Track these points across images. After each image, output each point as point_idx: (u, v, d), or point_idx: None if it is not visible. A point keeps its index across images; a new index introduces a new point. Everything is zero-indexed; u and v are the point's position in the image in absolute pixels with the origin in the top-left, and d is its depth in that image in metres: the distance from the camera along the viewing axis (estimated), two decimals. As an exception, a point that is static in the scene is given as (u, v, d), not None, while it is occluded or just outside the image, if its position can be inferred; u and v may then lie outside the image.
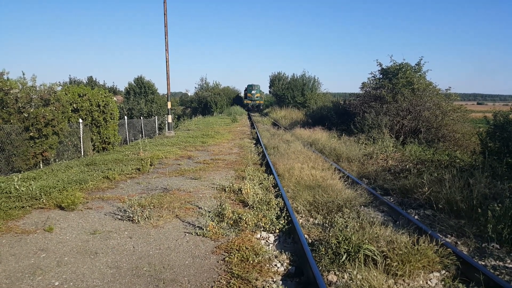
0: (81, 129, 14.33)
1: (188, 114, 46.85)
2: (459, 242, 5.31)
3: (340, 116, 19.47)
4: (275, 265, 4.49)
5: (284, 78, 48.86)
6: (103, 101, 15.58)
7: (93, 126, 15.43)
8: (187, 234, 5.40)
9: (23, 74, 12.27)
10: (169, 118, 19.98)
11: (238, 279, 4.05)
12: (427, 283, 4.17)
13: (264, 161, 11.00)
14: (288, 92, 43.06)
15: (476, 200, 5.82)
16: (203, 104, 44.84)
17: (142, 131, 22.42)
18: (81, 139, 14.42)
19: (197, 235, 5.37)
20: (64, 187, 7.57)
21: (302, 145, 13.20)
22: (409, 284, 4.11)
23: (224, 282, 4.00)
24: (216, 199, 7.12)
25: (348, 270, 4.28)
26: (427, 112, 16.55)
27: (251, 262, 4.43)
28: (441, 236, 5.20)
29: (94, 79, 35.40)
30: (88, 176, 8.69)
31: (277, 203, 6.25)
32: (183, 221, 5.95)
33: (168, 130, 19.64)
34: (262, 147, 13.38)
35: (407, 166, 9.06)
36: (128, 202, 6.43)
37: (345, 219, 5.42)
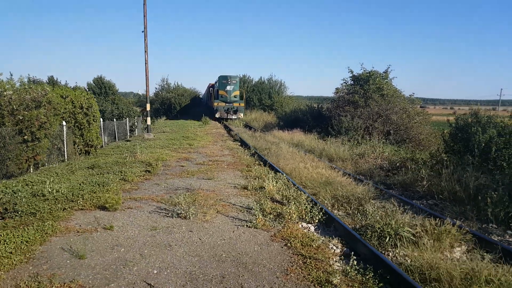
0: (64, 132, 14.23)
1: (138, 115, 46.24)
2: (464, 224, 6.47)
3: (315, 119, 20.72)
4: (332, 248, 5.32)
5: (250, 81, 49.10)
6: (86, 103, 15.51)
7: (76, 129, 15.31)
8: (239, 227, 6.07)
9: (11, 75, 12.08)
10: (148, 120, 20.10)
11: (309, 259, 4.83)
12: (455, 254, 5.22)
13: (262, 161, 11.76)
14: (255, 94, 44.00)
15: (473, 190, 7.06)
16: (166, 105, 44.51)
17: (115, 134, 22.22)
18: (65, 142, 14.32)
19: (248, 227, 6.06)
20: (92, 189, 7.85)
21: (290, 147, 14.14)
22: (443, 254, 5.13)
23: (300, 262, 4.77)
24: (244, 197, 7.82)
25: (395, 249, 5.22)
26: (395, 116, 18.24)
27: (312, 245, 5.23)
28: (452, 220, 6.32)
29: (55, 78, 34.03)
30: (105, 178, 8.96)
31: (306, 198, 7.08)
32: (227, 216, 6.60)
33: (148, 132, 19.75)
34: (252, 149, 14.13)
35: (398, 164, 10.30)
36: (169, 201, 6.94)
37: (373, 209, 6.38)
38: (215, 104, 33.78)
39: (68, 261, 4.73)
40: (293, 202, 6.54)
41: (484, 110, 15.57)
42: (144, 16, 19.33)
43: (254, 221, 6.17)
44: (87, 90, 37.33)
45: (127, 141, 20.47)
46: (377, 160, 11.41)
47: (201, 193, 8.00)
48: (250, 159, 12.72)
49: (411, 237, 5.36)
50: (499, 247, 5.03)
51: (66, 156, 14.14)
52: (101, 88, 37.10)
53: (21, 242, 5.15)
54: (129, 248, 5.18)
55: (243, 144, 16.53)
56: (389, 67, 20.25)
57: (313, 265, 4.67)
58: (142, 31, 19.23)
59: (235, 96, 33.87)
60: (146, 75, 19.81)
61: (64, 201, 7.02)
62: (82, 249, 5.05)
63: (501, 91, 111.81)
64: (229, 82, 33.66)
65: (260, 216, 6.20)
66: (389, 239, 5.36)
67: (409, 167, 9.49)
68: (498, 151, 10.94)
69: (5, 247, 4.92)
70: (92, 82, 37.62)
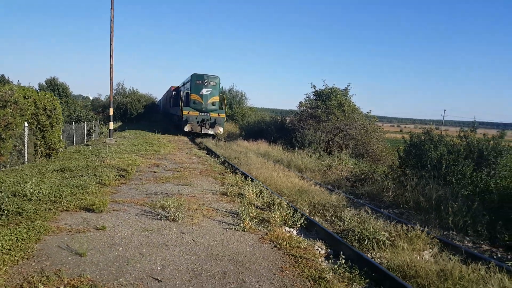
0: (26, 133, 13.76)
1: (102, 120, 44.87)
2: (430, 231, 7.28)
3: (278, 130, 21.47)
4: (317, 249, 5.84)
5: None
6: (49, 105, 15.08)
7: (38, 131, 14.81)
8: (227, 230, 6.43)
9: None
10: (111, 125, 19.75)
11: (300, 258, 5.31)
12: (425, 256, 5.94)
13: (234, 170, 12.15)
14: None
15: (435, 201, 7.94)
16: (122, 110, 43.44)
17: (73, 138, 21.57)
18: (26, 144, 13.83)
19: (236, 230, 6.43)
20: (71, 191, 7.83)
21: (259, 157, 14.66)
22: (413, 255, 5.82)
23: (292, 261, 5.23)
24: (225, 202, 8.17)
25: (373, 250, 5.84)
26: (355, 131, 19.44)
27: (300, 247, 5.72)
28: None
29: (6, 78, 32.15)
30: (81, 181, 8.90)
31: (286, 205, 7.59)
32: (213, 220, 6.92)
33: (109, 137, 19.40)
34: (222, 158, 14.47)
35: (362, 176, 11.15)
36: (152, 205, 7.14)
37: (349, 215, 7.01)
38: (185, 113, 24.60)
39: (69, 258, 4.84)
40: (277, 208, 7.00)
41: (429, 129, 17.12)
42: (111, 20, 19.17)
43: (241, 225, 6.55)
44: (38, 91, 35.69)
45: (87, 145, 19.98)
46: (342, 172, 12.23)
47: (183, 198, 8.24)
48: (220, 167, 13.05)
49: (387, 241, 6.02)
50: (462, 250, 5.81)
51: (26, 158, 13.66)
52: (54, 90, 35.58)
53: (17, 239, 5.16)
54: (126, 247, 5.37)
55: (210, 152, 16.80)
56: (349, 85, 21.60)
57: (304, 263, 5.15)
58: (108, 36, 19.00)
59: (213, 103, 25.28)
60: (110, 79, 19.53)
61: (48, 202, 6.99)
62: (80, 247, 5.16)
63: (444, 111, 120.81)
64: (206, 84, 25.05)
65: (247, 220, 6.60)
66: (367, 242, 5.98)
67: (375, 178, 10.35)
68: (447, 167, 12.15)
69: (2, 244, 4.93)
70: (44, 83, 35.98)
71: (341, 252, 5.17)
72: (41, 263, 4.65)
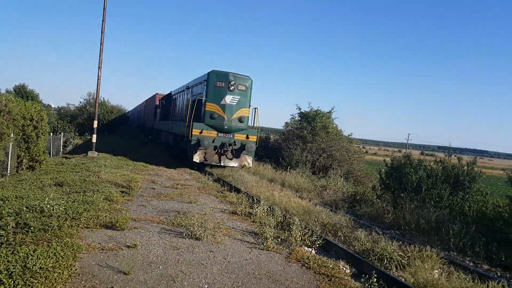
0: (10, 145, 13.42)
1: (70, 131, 43.57)
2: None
3: (264, 149, 21.95)
4: (342, 268, 6.25)
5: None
6: (36, 115, 14.79)
7: (22, 142, 14.45)
8: (252, 249, 6.72)
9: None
10: (94, 138, 19.46)
11: (332, 277, 5.70)
12: (435, 275, 6.49)
13: (232, 188, 12.41)
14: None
15: (434, 223, 8.61)
16: (92, 121, 42.33)
17: (50, 149, 21.01)
18: (10, 155, 13.48)
19: (261, 249, 6.74)
20: (85, 208, 7.85)
21: (251, 175, 15.00)
22: (425, 274, 6.35)
23: (326, 279, 5.61)
24: (238, 221, 8.46)
25: (390, 269, 6.33)
26: (338, 153, 20.24)
27: (328, 266, 6.10)
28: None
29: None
30: (89, 197, 8.89)
31: (300, 224, 7.97)
32: (234, 239, 7.19)
33: (92, 150, 19.10)
34: (215, 175, 14.70)
35: (358, 197, 11.77)
36: (169, 222, 7.34)
37: (363, 236, 7.50)
38: (195, 132, 16.06)
39: (115, 277, 4.99)
40: (295, 228, 7.37)
41: (392, 152, 18.11)
42: (101, 32, 19.14)
43: (264, 244, 6.87)
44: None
45: (65, 157, 19.55)
46: (337, 193, 12.82)
47: (196, 216, 8.42)
48: (216, 184, 13.28)
49: (403, 260, 6.53)
50: (471, 269, 6.42)
51: (9, 170, 13.29)
52: (23, 97, 34.37)
53: (56, 257, 5.22)
54: (165, 265, 5.55)
55: (199, 169, 16.94)
56: (332, 108, 22.54)
57: (338, 282, 5.54)
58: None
59: (240, 119, 16.84)
60: (97, 91, 19.40)
61: (67, 219, 7.00)
62: (121, 266, 5.31)
63: (408, 135, 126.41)
64: (232, 87, 16.57)
65: (270, 240, 6.92)
66: (386, 261, 6.47)
67: (370, 199, 10.97)
68: (426, 190, 13.03)
69: (44, 262, 4.98)
70: (12, 90, 34.72)
71: (373, 272, 5.59)
72: (90, 282, 4.77)
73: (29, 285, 4.32)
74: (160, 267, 5.48)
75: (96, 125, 19.50)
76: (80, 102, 48.29)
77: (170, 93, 26.46)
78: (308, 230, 7.49)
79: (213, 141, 15.89)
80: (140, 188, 11.35)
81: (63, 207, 7.48)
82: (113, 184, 11.22)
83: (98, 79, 19.03)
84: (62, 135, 23.61)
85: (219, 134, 16.35)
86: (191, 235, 6.96)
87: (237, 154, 16.37)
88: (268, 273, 5.70)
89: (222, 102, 16.53)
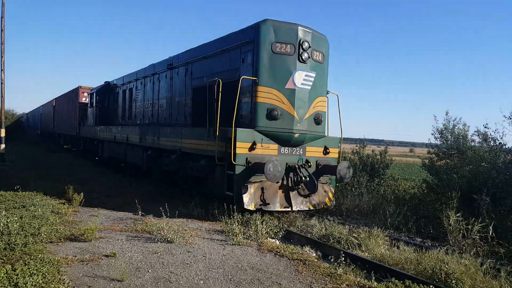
0: None
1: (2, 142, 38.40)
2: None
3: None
4: (310, 253, 7.09)
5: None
6: None
7: None
8: (225, 245, 7.21)
9: None
10: (2, 147, 17.74)
11: (305, 261, 6.47)
12: (383, 250, 7.68)
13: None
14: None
15: (372, 206, 9.94)
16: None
17: None
18: None
19: (233, 245, 7.26)
20: (38, 223, 7.54)
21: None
22: (378, 250, 7.50)
23: (301, 264, 6.37)
24: (198, 222, 8.82)
25: (350, 249, 7.35)
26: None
27: (298, 253, 6.88)
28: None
29: None
30: (36, 212, 8.45)
31: (259, 219, 8.64)
32: (204, 238, 7.60)
33: (2, 161, 17.43)
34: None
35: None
36: (131, 229, 7.48)
37: (318, 224, 8.45)
38: (241, 148, 8.33)
39: (111, 285, 5.15)
40: (258, 223, 8.00)
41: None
42: (1, 30, 17.55)
43: (234, 239, 7.39)
44: None
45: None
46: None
47: (153, 221, 8.56)
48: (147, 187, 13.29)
49: (357, 241, 7.60)
50: (412, 243, 7.73)
51: None
52: None
53: (42, 274, 5.15)
54: (153, 269, 5.80)
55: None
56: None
57: (312, 265, 6.33)
58: None
59: (317, 118, 9.35)
60: (2, 96, 17.68)
61: (26, 235, 6.72)
62: (110, 274, 5.44)
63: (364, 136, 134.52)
64: (306, 54, 8.79)
65: (240, 235, 7.48)
66: (343, 243, 7.47)
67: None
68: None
69: (33, 280, 4.91)
70: None
71: (341, 252, 6.52)
72: (91, 292, 4.86)
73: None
74: (150, 270, 5.72)
75: (3, 134, 17.77)
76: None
77: (112, 84, 19.40)
78: (271, 223, 8.19)
79: (278, 168, 8.06)
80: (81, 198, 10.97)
81: (18, 224, 7.11)
82: (49, 196, 10.69)
83: (1, 83, 17.41)
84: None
85: (283, 149, 8.90)
86: (163, 239, 7.20)
87: (312, 185, 8.98)
88: (249, 264, 6.27)
89: (289, 86, 8.72)
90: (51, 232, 7.09)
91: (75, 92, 26.02)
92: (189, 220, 9.06)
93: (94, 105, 20.24)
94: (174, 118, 12.48)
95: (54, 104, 33.88)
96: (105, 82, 20.66)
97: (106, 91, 20.00)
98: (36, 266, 5.41)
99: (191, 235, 7.68)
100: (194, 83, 11.19)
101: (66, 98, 28.92)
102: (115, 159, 18.00)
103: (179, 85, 12.18)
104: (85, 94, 24.09)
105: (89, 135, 21.99)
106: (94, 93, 20.19)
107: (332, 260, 6.46)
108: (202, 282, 5.41)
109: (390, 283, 5.51)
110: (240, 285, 5.38)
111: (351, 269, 6.24)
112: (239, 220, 8.23)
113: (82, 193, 10.16)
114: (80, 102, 24.57)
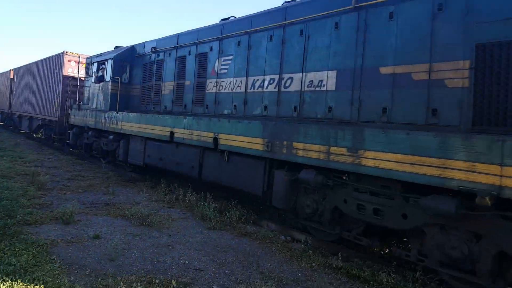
0: None
1: None
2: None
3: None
4: (281, 237, 7.77)
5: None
6: None
7: None
8: (202, 230, 7.70)
9: None
10: None
11: (277, 243, 7.14)
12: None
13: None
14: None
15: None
16: None
17: None
18: None
19: (209, 229, 7.76)
20: (12, 205, 7.60)
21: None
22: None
23: (279, 246, 7.01)
24: (172, 208, 9.22)
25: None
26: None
27: (270, 237, 7.53)
28: None
29: None
30: (5, 195, 8.45)
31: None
32: (180, 223, 8.04)
33: None
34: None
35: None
36: (108, 213, 7.84)
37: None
38: None
39: (102, 264, 5.53)
40: (233, 209, 8.54)
41: None
42: None
43: (210, 225, 7.89)
44: None
45: None
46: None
47: (127, 206, 8.83)
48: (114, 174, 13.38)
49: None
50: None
51: None
52: None
53: (33, 255, 5.38)
54: (139, 250, 6.21)
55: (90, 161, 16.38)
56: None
57: (286, 246, 7.02)
58: None
59: None
60: None
61: (4, 217, 6.82)
62: (99, 255, 5.80)
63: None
64: None
65: (215, 221, 7.99)
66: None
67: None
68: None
69: (24, 258, 5.16)
70: None
71: (310, 236, 7.25)
72: (85, 270, 5.25)
73: (38, 279, 4.60)
74: (135, 251, 6.13)
75: None
76: None
77: (144, 49, 13.11)
78: (244, 210, 8.78)
79: None
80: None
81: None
82: (13, 179, 10.56)
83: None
84: None
85: None
86: (142, 222, 7.55)
87: None
88: (229, 246, 6.83)
89: None
90: (28, 214, 7.19)
91: (57, 60, 19.63)
92: (161, 204, 9.42)
93: (108, 79, 13.65)
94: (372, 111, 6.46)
95: (12, 77, 28.04)
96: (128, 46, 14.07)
97: (130, 59, 13.75)
98: (23, 246, 5.64)
99: (167, 220, 8.08)
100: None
101: (40, 68, 22.26)
102: (166, 171, 11.69)
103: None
104: (72, 63, 19.06)
105: (91, 123, 14.92)
106: (111, 60, 13.48)
107: (303, 243, 7.18)
108: (187, 262, 5.90)
109: (354, 262, 6.32)
110: (224, 265, 5.94)
111: (319, 251, 6.99)
112: (214, 207, 8.71)
113: (41, 176, 10.15)
114: (65, 74, 18.85)
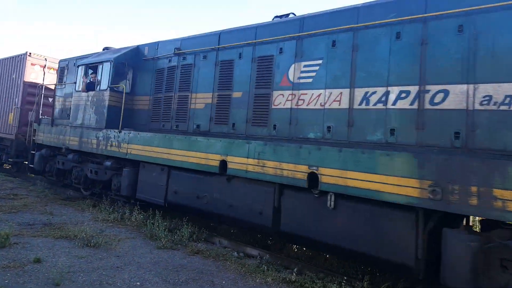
0: None
1: None
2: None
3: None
4: (233, 254, 7.75)
5: None
6: None
7: None
8: (152, 249, 7.49)
9: None
10: None
11: (227, 260, 7.11)
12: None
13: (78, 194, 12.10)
14: None
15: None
16: None
17: None
18: None
19: (160, 248, 7.56)
20: None
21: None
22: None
23: (228, 262, 7.00)
24: (117, 228, 8.86)
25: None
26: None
27: (223, 254, 7.49)
28: None
29: None
30: None
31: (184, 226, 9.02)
32: (128, 243, 7.74)
33: None
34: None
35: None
36: (48, 234, 7.39)
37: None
38: None
39: (49, 289, 5.15)
40: (184, 229, 8.38)
41: None
42: None
43: (160, 244, 7.69)
44: None
45: None
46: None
47: (68, 226, 8.36)
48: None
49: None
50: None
51: None
52: None
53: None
54: (85, 273, 5.91)
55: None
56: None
57: (239, 263, 7.01)
58: None
59: None
60: None
61: None
62: (42, 280, 5.43)
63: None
64: None
65: (165, 240, 7.80)
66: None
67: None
68: None
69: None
70: None
71: (263, 252, 7.31)
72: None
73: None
74: (82, 275, 5.82)
75: None
76: None
77: (152, 52, 10.72)
78: (195, 227, 8.65)
79: None
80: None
81: None
82: None
83: None
84: None
85: None
86: (87, 243, 7.19)
87: None
88: (180, 266, 6.70)
89: None
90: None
91: (16, 63, 16.07)
92: (105, 223, 9.03)
93: (103, 87, 10.81)
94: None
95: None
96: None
97: (133, 63, 11.09)
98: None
99: (114, 240, 7.75)
100: None
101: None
102: (204, 214, 8.82)
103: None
104: (37, 68, 15.76)
105: (73, 144, 11.62)
106: (110, 64, 10.70)
107: (257, 259, 7.23)
108: (139, 284, 5.71)
109: (307, 275, 6.47)
110: (177, 285, 5.81)
111: (272, 266, 7.06)
112: (164, 226, 8.50)
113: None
114: (26, 81, 15.39)
